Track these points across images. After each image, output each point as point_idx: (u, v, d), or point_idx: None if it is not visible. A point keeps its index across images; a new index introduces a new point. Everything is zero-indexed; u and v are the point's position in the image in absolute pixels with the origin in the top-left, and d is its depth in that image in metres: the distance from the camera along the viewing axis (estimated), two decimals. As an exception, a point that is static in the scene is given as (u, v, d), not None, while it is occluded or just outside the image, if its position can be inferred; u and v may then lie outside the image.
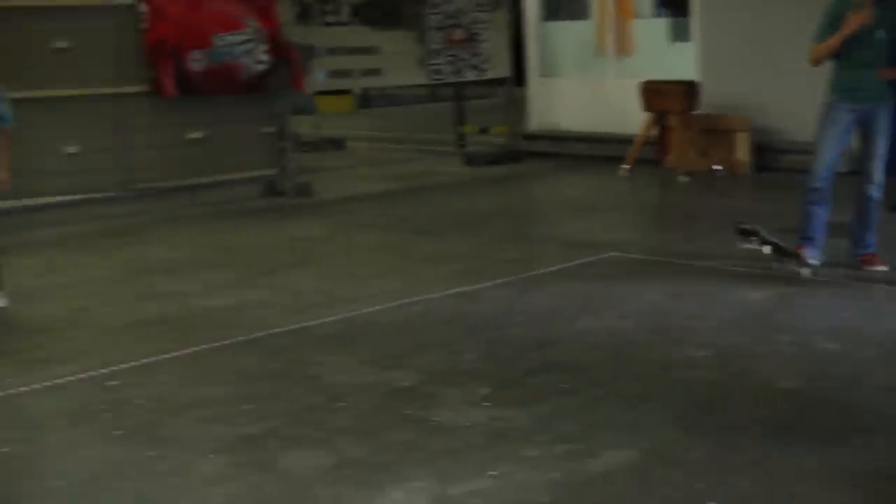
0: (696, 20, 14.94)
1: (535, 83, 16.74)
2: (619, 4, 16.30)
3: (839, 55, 8.19)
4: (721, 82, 14.24)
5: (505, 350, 6.56)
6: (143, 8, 11.82)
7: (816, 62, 8.32)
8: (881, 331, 6.79)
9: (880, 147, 8.26)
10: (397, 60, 14.21)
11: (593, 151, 15.29)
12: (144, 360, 6.56)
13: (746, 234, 8.29)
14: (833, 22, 8.17)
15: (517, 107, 15.90)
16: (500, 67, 15.38)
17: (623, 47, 16.16)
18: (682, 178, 13.17)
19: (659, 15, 17.27)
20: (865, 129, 8.29)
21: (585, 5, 17.51)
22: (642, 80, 14.25)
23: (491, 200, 12.35)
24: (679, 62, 15.28)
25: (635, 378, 6.05)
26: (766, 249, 8.19)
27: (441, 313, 7.43)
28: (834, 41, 8.11)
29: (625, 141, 14.23)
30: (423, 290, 8.01)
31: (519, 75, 16.42)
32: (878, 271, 8.26)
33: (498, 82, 15.78)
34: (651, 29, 16.83)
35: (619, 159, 13.96)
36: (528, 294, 7.89)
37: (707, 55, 14.65)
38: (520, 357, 6.40)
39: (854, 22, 7.98)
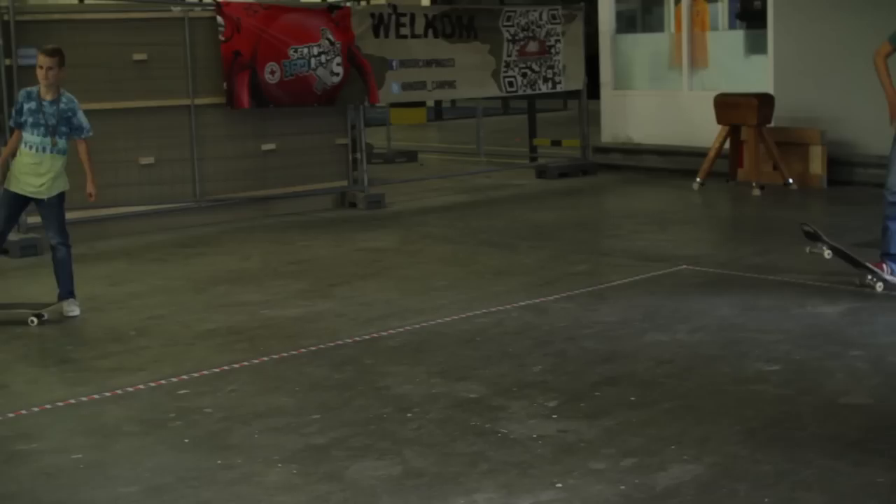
0: (771, 32, 14.82)
1: (608, 95, 16.71)
2: (695, 17, 16.24)
3: None
4: (795, 95, 14.13)
5: (573, 363, 6.55)
6: (221, 20, 11.96)
7: (876, 66, 8.30)
8: (957, 347, 6.70)
9: None
10: (471, 73, 14.23)
11: (666, 164, 15.23)
12: (215, 370, 6.63)
13: (810, 237, 8.21)
14: None
15: (590, 119, 15.86)
16: (574, 80, 15.36)
17: (698, 59, 16.08)
18: (755, 191, 13.06)
19: (734, 27, 17.19)
20: None
21: (661, 18, 17.47)
22: (716, 93, 14.17)
23: (562, 213, 12.33)
24: (754, 74, 15.21)
25: (704, 392, 6.00)
26: (828, 254, 8.08)
27: (509, 325, 7.43)
28: (886, 83, 8.12)
29: (697, 154, 14.15)
30: (492, 301, 8.02)
31: (593, 88, 16.38)
32: None
33: (572, 95, 15.76)
34: (726, 41, 16.75)
35: (692, 172, 13.88)
36: (598, 307, 7.87)
37: (781, 67, 14.55)
38: (588, 370, 6.39)
39: (891, 102, 8.08)
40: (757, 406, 5.74)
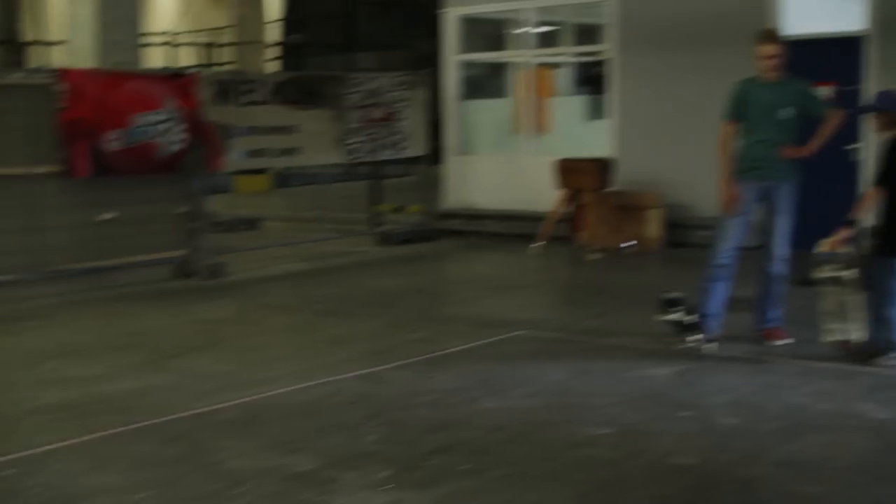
0: (611, 98, 15.16)
1: (452, 161, 16.85)
2: (538, 83, 16.52)
3: (743, 133, 8.43)
4: (635, 159, 14.45)
5: (407, 432, 6.53)
6: (61, 87, 11.73)
7: (719, 151, 8.59)
8: (781, 405, 6.88)
9: (782, 224, 8.44)
10: (315, 140, 14.21)
11: (508, 229, 15.40)
12: (42, 448, 6.44)
13: (671, 304, 8.33)
14: (739, 102, 8.44)
15: (433, 185, 15.97)
16: (418, 146, 15.46)
17: (540, 125, 16.34)
18: (595, 255, 13.27)
19: (576, 93, 17.54)
20: (768, 206, 8.45)
21: (504, 84, 17.74)
22: (557, 158, 14.40)
23: (403, 280, 12.34)
24: (595, 139, 15.51)
25: (536, 458, 6.04)
26: (690, 319, 8.24)
27: (345, 395, 7.38)
28: (722, 167, 8.45)
29: (539, 218, 14.35)
30: (329, 371, 7.97)
31: (436, 153, 16.52)
32: (781, 345, 8.37)
33: (415, 160, 15.86)
34: (568, 107, 17.09)
35: (534, 237, 14.05)
36: (434, 374, 7.87)
37: (621, 132, 14.89)
38: (422, 439, 6.38)
39: (725, 199, 8.39)
40: (588, 470, 5.81)
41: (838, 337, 7.90)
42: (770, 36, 8.49)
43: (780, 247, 8.45)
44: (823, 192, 10.93)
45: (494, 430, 6.52)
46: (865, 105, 7.87)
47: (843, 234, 7.74)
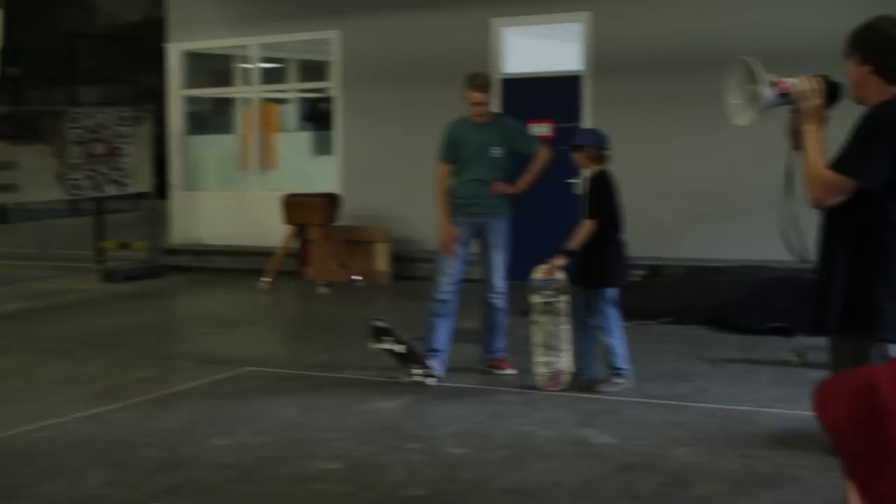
0: (337, 134, 15.26)
1: (177, 197, 16.61)
2: (263, 118, 16.48)
3: (457, 171, 8.60)
4: (361, 194, 14.60)
5: (134, 473, 6.36)
6: None
7: (437, 194, 8.74)
8: (507, 433, 7.02)
9: (498, 258, 8.65)
10: (34, 176, 13.73)
11: (236, 265, 15.29)
12: None
13: (381, 332, 8.39)
14: (451, 143, 8.63)
15: (159, 221, 15.68)
16: (142, 182, 15.15)
17: (266, 160, 16.30)
18: (323, 290, 13.30)
19: (302, 129, 17.58)
20: (483, 241, 8.66)
21: (230, 119, 17.62)
22: (284, 193, 14.38)
23: (128, 318, 12.04)
24: (321, 175, 15.57)
25: (266, 495, 5.99)
26: (400, 349, 8.31)
27: (68, 438, 7.13)
28: (439, 212, 8.63)
29: (267, 254, 14.30)
30: (50, 414, 7.67)
31: (162, 189, 16.23)
32: (507, 375, 8.56)
33: (141, 196, 15.55)
34: (294, 142, 17.11)
35: (261, 272, 13.97)
36: (161, 414, 7.70)
37: (347, 168, 15.01)
38: (149, 480, 6.22)
39: (443, 239, 8.56)
40: (317, 506, 5.80)
41: (546, 370, 8.11)
42: (478, 84, 8.55)
43: (499, 280, 8.66)
44: (550, 223, 11.25)
45: (223, 468, 6.43)
46: (569, 142, 8.15)
47: (557, 261, 7.99)
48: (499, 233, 8.66)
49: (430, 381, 8.33)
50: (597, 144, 8.09)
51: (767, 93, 4.31)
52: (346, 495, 5.93)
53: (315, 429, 7.23)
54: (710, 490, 5.88)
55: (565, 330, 8.07)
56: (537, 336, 8.17)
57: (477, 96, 8.50)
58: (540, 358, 8.15)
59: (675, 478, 6.08)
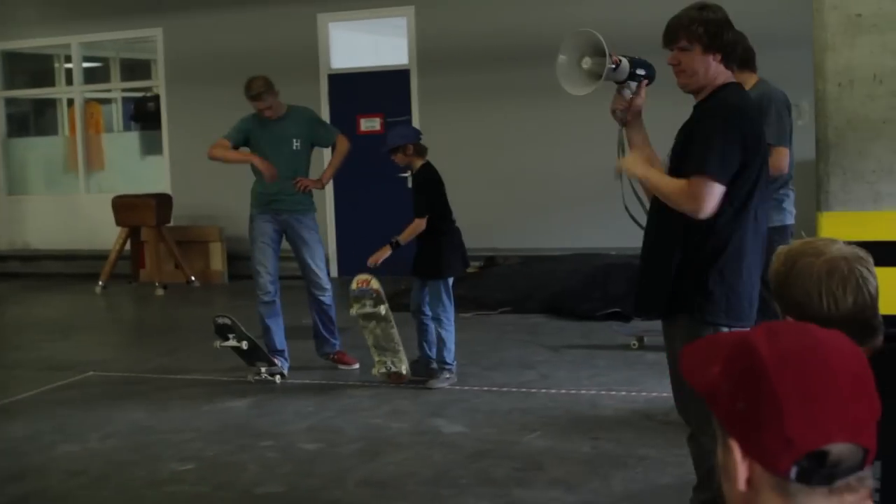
0: (165, 133, 15.07)
1: (2, 201, 16.17)
2: (89, 119, 16.17)
3: (256, 170, 8.46)
4: (192, 193, 14.45)
5: (-20, 485, 6.24)
6: None
7: (211, 158, 8.68)
8: (358, 427, 7.07)
9: (313, 255, 8.52)
10: None
11: (67, 269, 14.97)
12: None
13: (225, 329, 8.29)
14: (239, 132, 8.54)
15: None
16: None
17: (94, 162, 16.00)
18: (159, 291, 13.14)
19: (129, 128, 17.29)
20: (292, 239, 8.55)
21: (54, 120, 17.23)
22: (115, 195, 14.15)
23: (-41, 326, 11.74)
24: (151, 175, 15.37)
25: (121, 499, 5.94)
26: (245, 345, 8.23)
27: None
28: (237, 157, 8.57)
29: (100, 257, 14.03)
30: None
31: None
32: (351, 369, 8.58)
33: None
34: (122, 143, 16.84)
35: (95, 276, 13.73)
36: (4, 423, 7.53)
37: (177, 167, 14.84)
38: (-3, 490, 6.12)
39: (263, 168, 8.37)
40: (174, 507, 5.77)
41: (384, 369, 8.13)
42: (253, 94, 8.35)
43: (321, 276, 8.53)
44: (388, 219, 11.27)
45: (73, 475, 6.34)
46: (385, 147, 8.01)
47: (383, 253, 7.93)
48: (307, 229, 8.52)
49: (277, 378, 8.32)
50: (413, 139, 8.00)
51: (610, 66, 4.35)
52: (202, 496, 5.92)
53: (164, 431, 7.17)
54: (563, 472, 6.03)
55: (395, 332, 8.02)
56: (369, 339, 8.16)
57: (259, 105, 8.35)
58: (376, 358, 8.17)
59: (527, 462, 6.22)
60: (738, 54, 4.83)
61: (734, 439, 1.63)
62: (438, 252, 7.97)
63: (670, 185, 4.27)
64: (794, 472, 1.56)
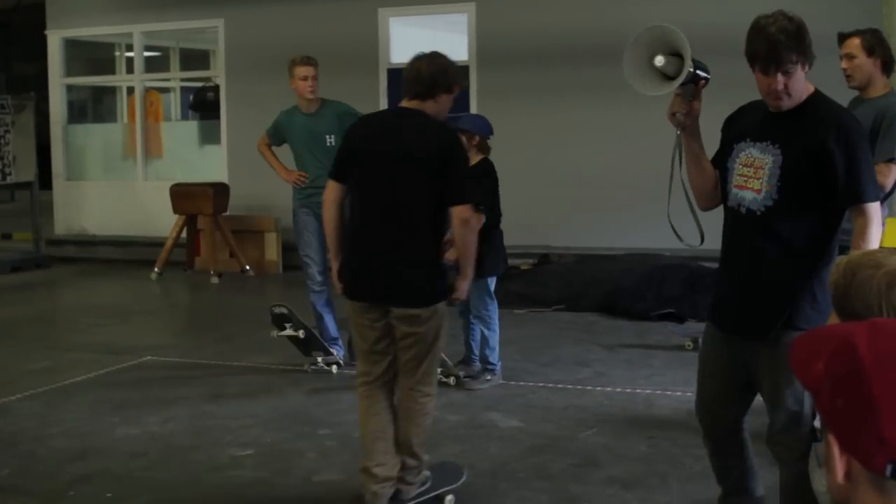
0: (224, 123, 15.17)
1: (60, 186, 16.34)
2: (149, 107, 16.31)
3: (299, 164, 8.83)
4: (249, 183, 14.49)
5: (44, 463, 6.32)
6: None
7: (260, 153, 9.20)
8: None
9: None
10: None
11: (123, 255, 15.11)
12: None
13: (282, 319, 8.37)
14: (277, 130, 8.96)
15: (43, 211, 15.42)
16: (25, 171, 14.87)
17: (152, 150, 16.14)
18: (213, 280, 13.24)
19: (187, 117, 17.44)
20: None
21: (114, 108, 17.39)
22: (172, 183, 14.26)
23: (18, 309, 11.84)
24: (209, 164, 15.48)
25: (180, 483, 6.00)
26: (302, 333, 8.30)
27: (-31, 430, 7.05)
28: (271, 162, 9.09)
29: (155, 244, 14.15)
30: (-52, 406, 7.57)
31: (45, 178, 15.92)
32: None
33: (21, 186, 15.28)
34: (180, 131, 16.98)
35: (150, 263, 13.85)
36: (63, 404, 7.62)
37: (235, 157, 14.92)
38: (61, 469, 6.19)
39: (287, 179, 8.87)
40: (235, 492, 5.84)
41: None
42: (307, 56, 8.78)
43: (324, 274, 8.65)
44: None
45: (134, 456, 6.42)
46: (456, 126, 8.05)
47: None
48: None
49: (334, 368, 8.37)
50: (482, 132, 7.98)
51: (689, 69, 4.15)
52: (262, 481, 5.98)
53: (223, 417, 7.24)
54: (620, 470, 6.04)
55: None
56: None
57: (305, 71, 8.61)
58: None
59: (584, 459, 6.24)
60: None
61: (833, 435, 1.66)
62: (485, 251, 7.87)
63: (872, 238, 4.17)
64: (889, 469, 1.59)
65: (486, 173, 7.95)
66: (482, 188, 7.91)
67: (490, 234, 7.90)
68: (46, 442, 6.72)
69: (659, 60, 4.21)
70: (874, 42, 6.07)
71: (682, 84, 4.22)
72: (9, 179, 14.78)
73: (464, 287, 5.50)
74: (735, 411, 4.60)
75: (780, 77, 4.09)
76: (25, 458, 6.44)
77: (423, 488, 5.55)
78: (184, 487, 5.93)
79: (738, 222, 4.33)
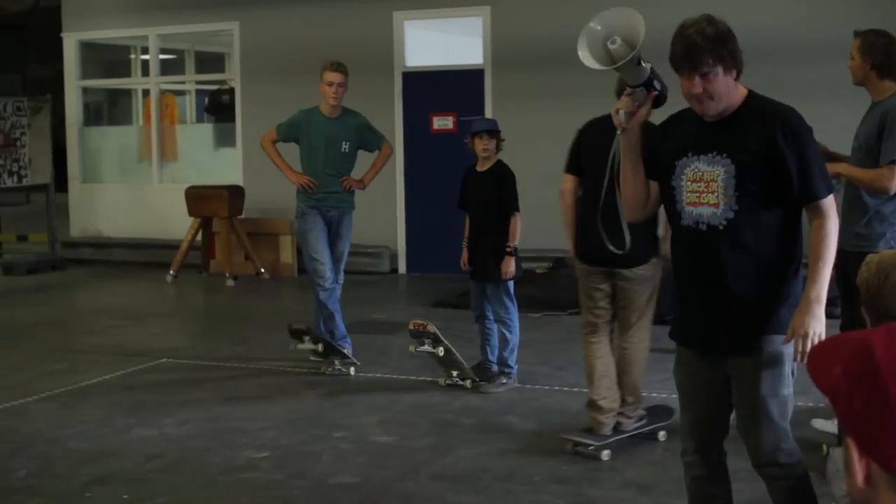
0: (239, 126, 15.19)
1: (76, 189, 16.37)
2: (164, 110, 16.34)
3: (306, 164, 8.80)
4: (264, 186, 14.50)
5: (60, 464, 6.34)
6: None
7: (261, 146, 9.13)
8: (431, 422, 7.13)
9: (343, 251, 8.76)
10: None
11: (139, 258, 15.12)
12: None
13: (299, 333, 8.41)
14: (291, 126, 8.88)
15: (59, 213, 15.45)
16: (41, 173, 14.92)
17: (167, 152, 16.16)
18: (229, 282, 13.25)
19: (203, 120, 17.47)
20: (331, 235, 8.74)
21: (129, 110, 17.42)
22: (187, 186, 14.29)
23: (33, 311, 11.85)
24: (224, 167, 15.50)
25: (197, 485, 6.02)
26: (321, 347, 8.33)
27: (-14, 431, 7.06)
28: (276, 162, 8.97)
29: (170, 246, 14.16)
30: (-35, 408, 7.59)
31: (60, 180, 15.95)
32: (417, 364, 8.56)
33: (37, 188, 15.31)
34: (195, 134, 17.00)
35: (165, 265, 13.86)
36: (79, 406, 7.65)
37: (250, 160, 14.91)
38: (76, 470, 6.21)
39: (295, 182, 8.76)
40: (250, 493, 5.84)
41: (449, 381, 8.02)
42: (339, 63, 8.74)
43: (341, 272, 8.78)
44: (458, 217, 11.30)
45: (150, 458, 6.44)
46: (479, 129, 8.05)
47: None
48: (348, 226, 8.81)
49: (351, 370, 8.37)
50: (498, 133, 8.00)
51: (634, 56, 4.03)
52: (278, 483, 5.98)
53: (238, 419, 7.26)
54: (636, 474, 6.04)
55: (457, 358, 7.96)
56: (435, 360, 8.08)
57: (336, 78, 8.58)
58: (445, 373, 8.10)
59: (600, 462, 6.23)
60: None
61: (852, 438, 1.66)
62: (498, 254, 7.88)
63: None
64: None
65: (512, 174, 7.97)
66: (513, 188, 7.93)
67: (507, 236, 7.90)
68: (62, 443, 6.74)
69: (614, 41, 4.08)
70: (868, 44, 6.06)
71: (635, 86, 4.14)
72: (25, 182, 14.83)
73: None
74: (723, 432, 4.48)
75: (697, 79, 4.02)
76: (42, 459, 6.46)
77: (639, 423, 6.58)
78: (199, 489, 5.94)
79: (700, 239, 4.18)
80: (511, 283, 7.95)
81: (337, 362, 8.41)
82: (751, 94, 4.19)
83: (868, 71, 6.07)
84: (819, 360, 1.75)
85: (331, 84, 8.60)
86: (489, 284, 7.95)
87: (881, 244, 5.76)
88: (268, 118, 14.65)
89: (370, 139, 8.98)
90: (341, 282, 8.76)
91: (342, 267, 8.79)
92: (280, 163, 8.91)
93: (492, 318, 7.98)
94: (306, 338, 8.34)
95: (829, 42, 10.44)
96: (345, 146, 8.70)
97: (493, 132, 7.97)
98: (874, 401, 1.61)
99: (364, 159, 9.04)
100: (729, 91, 4.09)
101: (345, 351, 8.49)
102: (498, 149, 7.98)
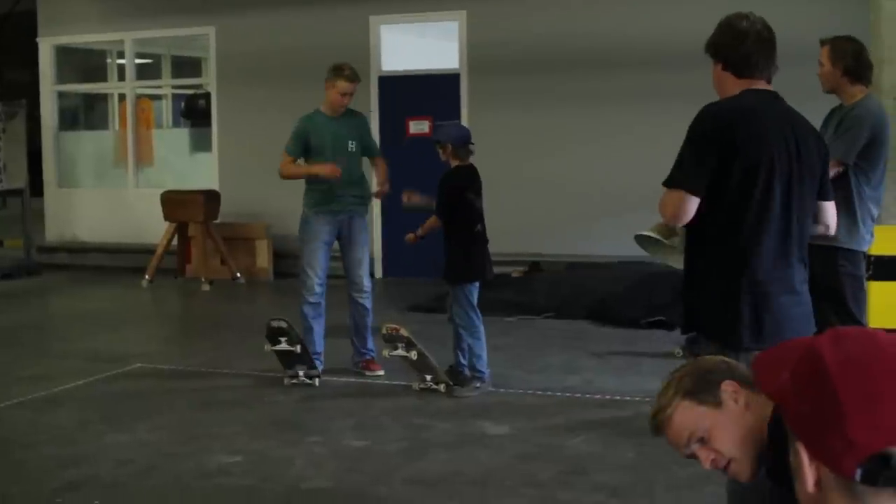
0: (215, 130, 15.18)
1: (52, 194, 16.33)
2: (140, 114, 16.31)
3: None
4: (240, 191, 14.54)
5: (33, 470, 6.33)
6: None
7: (284, 177, 8.77)
8: (404, 426, 7.13)
9: (362, 256, 8.57)
10: None
11: (115, 263, 15.11)
12: None
13: (277, 332, 8.27)
14: (299, 137, 8.55)
15: (34, 218, 15.40)
16: (17, 178, 14.86)
17: (143, 157, 16.14)
18: (205, 287, 13.24)
19: (179, 125, 17.44)
20: (344, 238, 8.56)
21: (105, 115, 17.38)
22: (163, 190, 14.27)
23: (8, 316, 11.81)
24: (200, 171, 15.49)
25: (169, 490, 6.01)
26: (298, 348, 8.25)
27: (-40, 437, 7.05)
28: (302, 172, 8.55)
29: (147, 251, 14.15)
30: (-61, 413, 7.58)
31: (36, 185, 15.90)
32: (377, 375, 8.52)
33: (12, 193, 15.26)
34: (171, 139, 16.97)
35: (142, 270, 13.84)
36: (53, 412, 7.64)
37: (226, 164, 14.94)
38: (50, 476, 6.20)
39: (327, 172, 8.30)
40: (223, 499, 5.86)
41: (423, 385, 8.03)
42: (349, 74, 8.46)
43: (365, 279, 8.56)
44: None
45: (122, 464, 6.42)
46: (432, 138, 8.11)
47: (410, 236, 8.21)
48: (361, 230, 8.59)
49: (316, 381, 8.26)
50: (453, 141, 7.97)
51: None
52: (251, 488, 5.99)
53: (212, 424, 7.25)
54: (608, 477, 6.06)
55: (431, 361, 7.97)
56: (409, 364, 8.09)
57: (347, 87, 8.39)
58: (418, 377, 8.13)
59: (572, 466, 6.26)
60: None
61: (801, 442, 1.68)
62: (459, 258, 7.93)
63: None
64: (858, 473, 1.60)
65: (448, 181, 7.99)
66: (441, 193, 7.96)
67: (470, 240, 7.92)
68: (36, 449, 6.73)
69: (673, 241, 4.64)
70: (838, 51, 6.13)
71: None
72: (0, 186, 14.77)
73: None
74: None
75: None
76: (14, 465, 6.45)
77: None
78: (172, 494, 5.94)
79: None
80: (471, 290, 7.95)
81: (301, 372, 8.26)
82: None
83: (839, 77, 6.13)
84: (766, 366, 1.77)
85: (343, 94, 8.43)
86: (451, 288, 8.03)
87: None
88: (244, 122, 14.78)
89: (370, 144, 8.83)
90: (368, 289, 8.54)
91: (364, 272, 8.53)
92: (305, 169, 8.56)
93: (455, 322, 8.01)
94: (283, 339, 8.25)
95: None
96: (351, 145, 8.52)
97: (437, 142, 8.09)
98: (824, 403, 1.63)
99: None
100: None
101: (315, 365, 8.35)
102: (455, 155, 7.98)
